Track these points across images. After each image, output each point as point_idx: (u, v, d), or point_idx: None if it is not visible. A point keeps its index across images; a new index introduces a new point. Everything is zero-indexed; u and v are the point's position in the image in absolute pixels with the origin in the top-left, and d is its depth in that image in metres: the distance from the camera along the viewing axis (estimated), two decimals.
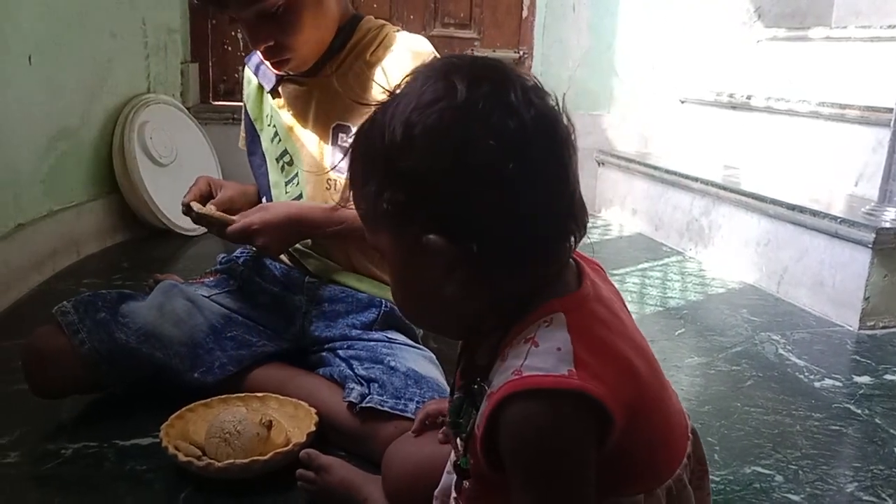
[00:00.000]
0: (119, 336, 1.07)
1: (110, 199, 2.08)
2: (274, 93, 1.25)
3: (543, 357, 0.54)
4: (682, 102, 2.77)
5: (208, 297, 1.20)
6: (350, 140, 0.61)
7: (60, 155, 1.82)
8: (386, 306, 1.17)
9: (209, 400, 1.06)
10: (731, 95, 2.48)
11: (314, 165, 1.21)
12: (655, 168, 2.45)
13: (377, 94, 0.62)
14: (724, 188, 2.08)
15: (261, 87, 1.28)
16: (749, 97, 2.38)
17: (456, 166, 0.55)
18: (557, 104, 0.58)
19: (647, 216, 2.50)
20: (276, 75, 1.23)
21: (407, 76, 0.59)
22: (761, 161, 2.30)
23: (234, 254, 1.29)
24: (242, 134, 1.37)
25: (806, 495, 1.00)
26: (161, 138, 2.17)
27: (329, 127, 1.20)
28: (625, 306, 0.66)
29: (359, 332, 1.15)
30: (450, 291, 0.58)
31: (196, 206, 1.13)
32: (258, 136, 1.32)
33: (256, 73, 1.27)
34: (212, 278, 1.26)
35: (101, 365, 1.05)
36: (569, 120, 0.58)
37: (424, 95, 0.56)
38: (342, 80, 1.17)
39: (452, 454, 0.68)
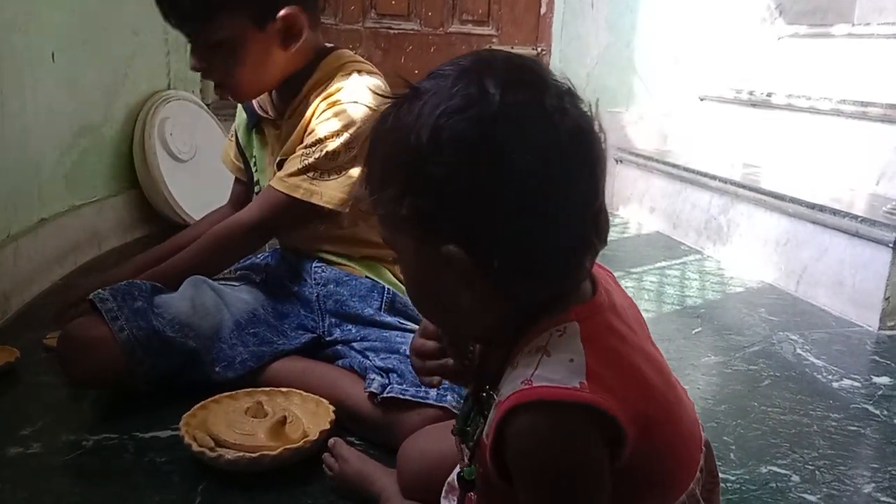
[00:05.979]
0: (156, 324, 1.08)
1: (131, 194, 2.10)
2: (256, 128, 1.30)
3: (555, 368, 0.53)
4: (702, 100, 2.75)
5: (235, 289, 1.22)
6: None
7: (82, 151, 1.84)
8: (388, 294, 1.19)
9: (234, 392, 1.07)
10: (751, 93, 2.46)
11: None
12: (674, 166, 2.43)
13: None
14: (743, 186, 2.07)
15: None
16: (769, 95, 2.36)
17: (486, 179, 0.52)
18: (591, 110, 0.56)
19: (664, 214, 2.49)
20: (256, 114, 1.27)
21: (436, 70, 0.56)
22: (781, 159, 2.28)
23: (257, 257, 1.33)
24: (227, 149, 1.42)
25: (823, 496, 0.99)
26: (181, 134, 2.19)
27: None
28: (639, 314, 0.65)
29: (371, 314, 1.16)
30: (465, 301, 0.56)
31: None
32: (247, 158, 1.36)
33: (246, 108, 1.31)
34: (234, 277, 1.29)
35: (138, 351, 1.06)
36: (601, 127, 0.56)
37: (455, 99, 0.53)
38: (294, 123, 1.20)
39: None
